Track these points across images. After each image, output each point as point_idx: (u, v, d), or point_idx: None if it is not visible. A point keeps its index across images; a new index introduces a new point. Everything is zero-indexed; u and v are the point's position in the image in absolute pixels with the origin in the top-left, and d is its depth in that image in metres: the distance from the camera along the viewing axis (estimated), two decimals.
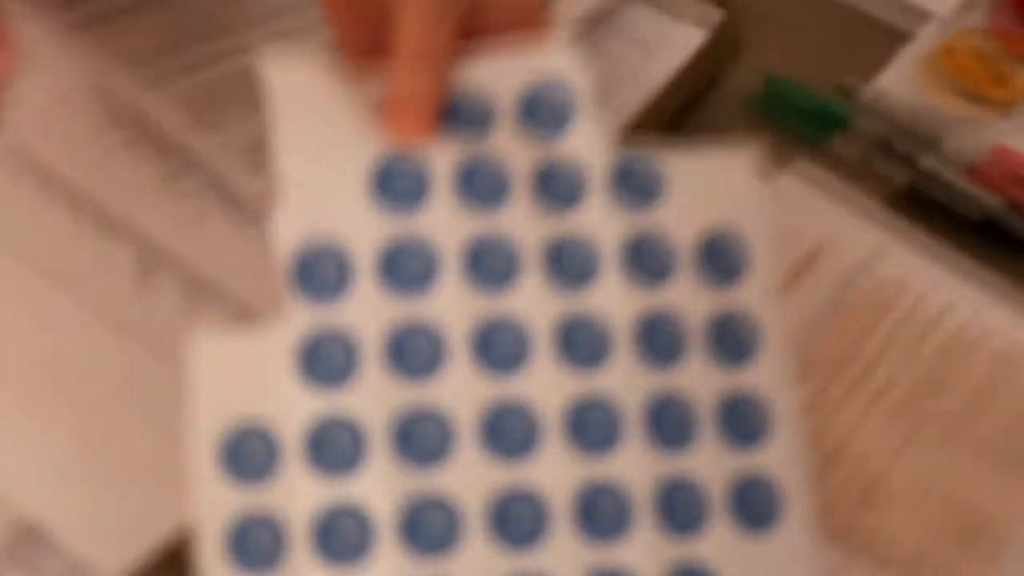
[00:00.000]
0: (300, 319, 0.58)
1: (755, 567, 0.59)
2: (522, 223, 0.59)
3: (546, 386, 0.58)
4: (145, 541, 0.63)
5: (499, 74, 0.60)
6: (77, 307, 0.70)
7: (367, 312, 0.58)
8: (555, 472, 0.58)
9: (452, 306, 0.58)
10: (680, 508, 0.59)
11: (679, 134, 0.81)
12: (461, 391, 0.58)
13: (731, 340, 0.61)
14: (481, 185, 0.60)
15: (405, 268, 0.59)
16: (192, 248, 0.71)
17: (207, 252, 0.70)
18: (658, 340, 0.60)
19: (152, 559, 0.63)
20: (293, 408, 0.57)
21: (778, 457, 0.60)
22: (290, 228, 0.58)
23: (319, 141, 0.59)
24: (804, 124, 0.83)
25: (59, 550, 0.64)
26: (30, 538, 0.64)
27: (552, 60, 0.61)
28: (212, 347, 0.57)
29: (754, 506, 0.60)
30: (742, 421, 0.60)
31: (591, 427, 0.58)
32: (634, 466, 0.58)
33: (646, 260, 0.61)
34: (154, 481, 0.63)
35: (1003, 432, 0.73)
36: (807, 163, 0.81)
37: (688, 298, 0.61)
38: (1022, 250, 0.79)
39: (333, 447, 0.57)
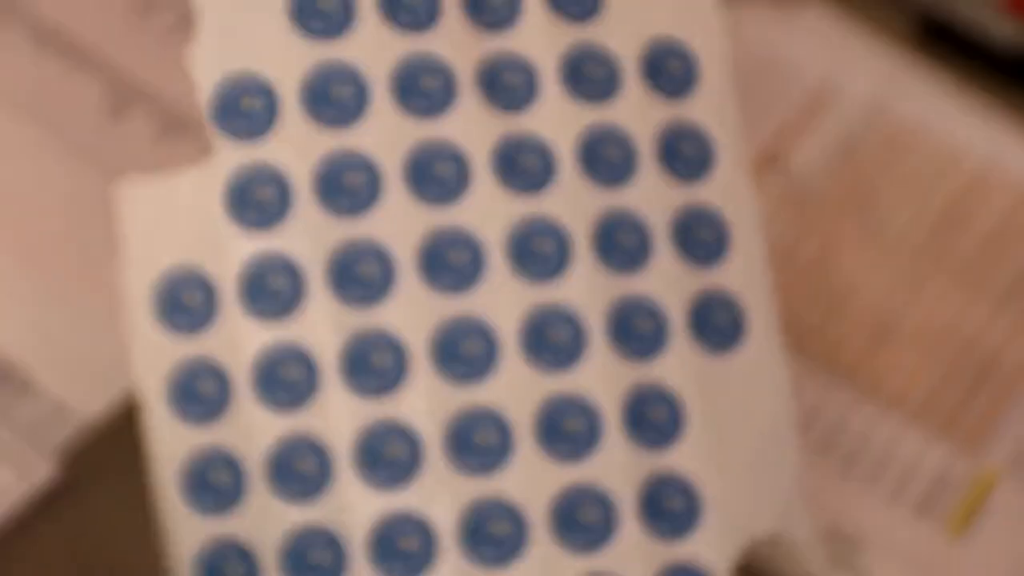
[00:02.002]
0: (228, 159, 0.55)
1: (718, 387, 0.57)
2: (454, 43, 0.57)
3: (489, 213, 0.56)
4: (126, 380, 0.61)
5: None
6: (47, 141, 0.68)
7: (297, 147, 0.55)
8: (502, 301, 0.56)
9: (385, 135, 0.56)
10: (636, 331, 0.56)
11: None
12: (400, 224, 0.56)
13: (682, 155, 0.58)
14: (409, 4, 0.57)
15: (334, 98, 0.56)
16: (168, 82, 0.69)
17: (183, 87, 0.68)
18: (604, 158, 0.57)
19: (133, 399, 0.61)
20: (228, 252, 0.55)
21: (738, 273, 0.58)
22: (210, 63, 0.55)
23: None
24: None
25: (37, 391, 0.63)
26: (4, 380, 0.63)
27: None
28: (139, 195, 0.55)
29: (715, 325, 0.57)
30: (699, 238, 0.58)
31: (538, 252, 0.56)
32: (585, 290, 0.56)
33: (588, 76, 0.58)
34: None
35: (1016, 275, 0.71)
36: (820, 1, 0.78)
37: (635, 114, 0.58)
38: None
39: (272, 289, 0.55)
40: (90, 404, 0.63)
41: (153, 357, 0.55)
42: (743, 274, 0.58)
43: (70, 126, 0.70)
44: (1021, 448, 0.67)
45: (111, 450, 0.62)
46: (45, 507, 0.62)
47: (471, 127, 0.56)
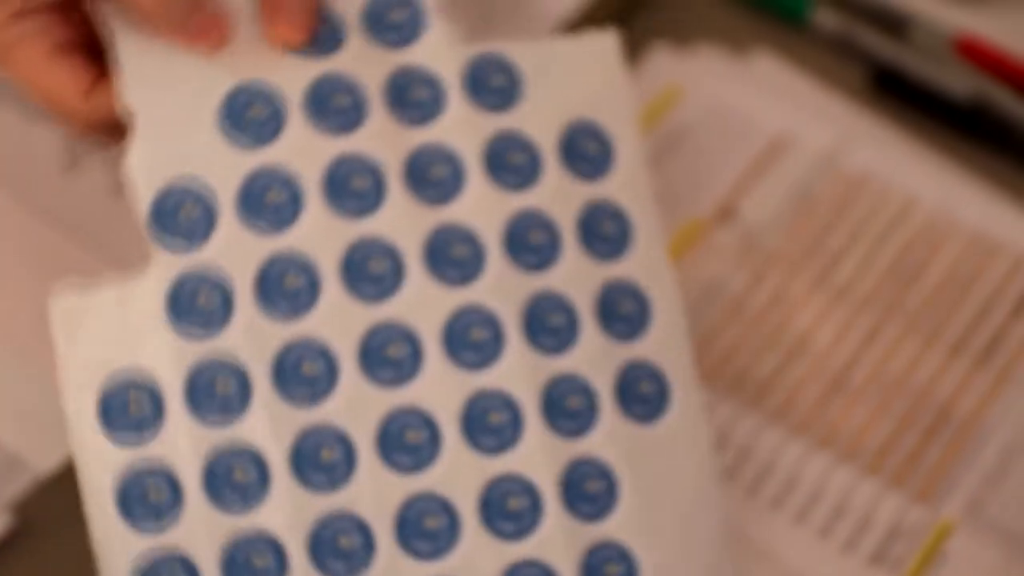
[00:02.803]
0: (168, 267, 0.56)
1: (648, 456, 0.59)
2: (381, 141, 0.58)
3: (423, 306, 0.57)
4: None
5: None
6: (3, 194, 0.68)
7: (236, 253, 0.56)
8: (441, 389, 0.57)
9: (320, 234, 0.57)
10: (568, 409, 0.58)
11: (642, 13, 0.79)
12: (339, 322, 0.57)
13: (602, 234, 0.60)
14: (335, 105, 0.58)
15: (269, 203, 0.57)
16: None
17: None
18: (530, 244, 0.59)
19: None
20: (172, 359, 0.56)
21: (660, 344, 0.59)
22: (147, 174, 0.56)
23: (166, 76, 0.57)
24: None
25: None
26: None
27: None
28: (76, 306, 0.56)
29: (641, 396, 0.59)
30: (621, 313, 0.59)
31: (472, 342, 0.58)
32: (519, 373, 0.58)
33: (510, 164, 0.59)
34: None
35: (967, 323, 0.71)
36: (772, 53, 0.79)
37: (556, 198, 0.59)
38: (989, 141, 0.77)
39: (218, 392, 0.56)
40: (44, 458, 0.63)
41: (100, 465, 0.55)
42: (665, 344, 0.60)
43: (26, 178, 0.70)
44: (975, 497, 0.67)
45: (64, 502, 0.62)
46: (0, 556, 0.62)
47: (402, 222, 0.58)
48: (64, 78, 0.57)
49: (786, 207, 0.75)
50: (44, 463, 0.63)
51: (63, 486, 0.63)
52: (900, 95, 0.78)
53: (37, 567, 0.58)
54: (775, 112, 0.77)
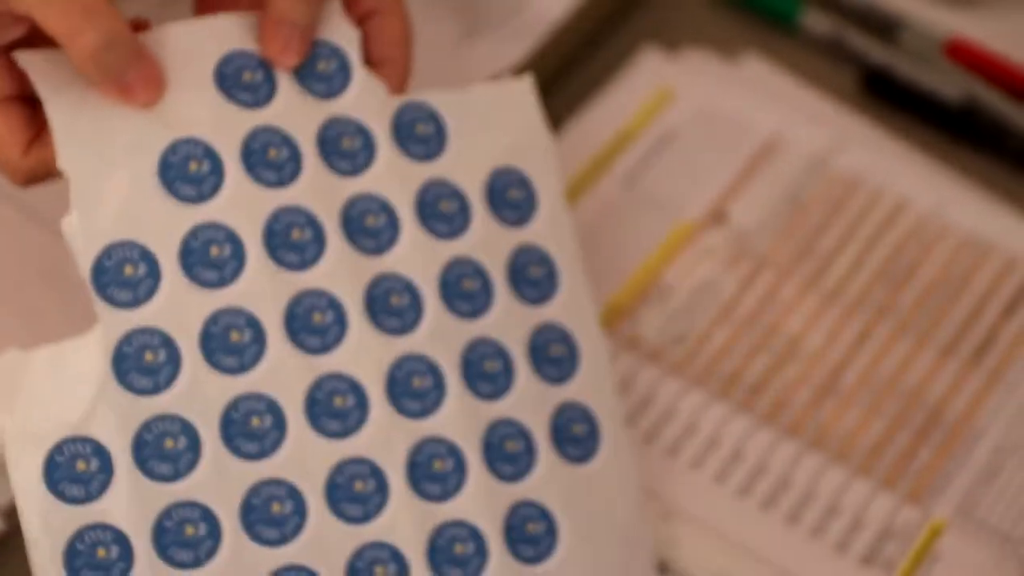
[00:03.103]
0: (114, 326, 0.56)
1: (583, 495, 0.60)
2: (317, 192, 0.59)
3: (365, 355, 0.58)
4: None
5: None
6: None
7: (180, 311, 0.57)
8: (385, 438, 0.58)
9: (261, 289, 0.57)
10: (507, 453, 0.59)
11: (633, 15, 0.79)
12: (284, 375, 0.57)
13: (530, 278, 0.61)
14: (271, 158, 0.58)
15: (212, 259, 0.57)
16: None
17: None
18: (464, 291, 0.60)
19: None
20: (119, 419, 0.56)
21: (589, 386, 0.61)
22: (88, 235, 0.56)
23: (99, 136, 0.56)
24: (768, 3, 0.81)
25: None
26: None
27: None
28: (23, 366, 0.55)
29: (574, 437, 0.60)
30: (552, 356, 0.61)
31: (415, 390, 0.58)
32: (460, 419, 0.59)
33: (440, 210, 0.60)
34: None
35: (958, 324, 0.71)
36: (763, 55, 0.79)
37: (485, 243, 0.60)
38: (980, 143, 0.77)
39: (167, 450, 0.56)
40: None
41: (48, 527, 0.55)
42: (593, 385, 0.61)
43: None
44: (966, 498, 0.67)
45: None
46: None
47: (342, 273, 0.58)
48: (3, 132, 0.56)
49: (777, 210, 0.75)
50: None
51: None
52: (891, 98, 0.78)
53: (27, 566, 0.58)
54: (766, 115, 0.77)
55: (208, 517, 0.56)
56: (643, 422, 0.68)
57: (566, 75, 0.78)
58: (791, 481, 0.67)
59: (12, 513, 0.62)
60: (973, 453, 0.68)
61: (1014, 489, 0.67)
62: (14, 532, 0.62)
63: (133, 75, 0.56)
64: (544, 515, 0.59)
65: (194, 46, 0.58)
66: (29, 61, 0.56)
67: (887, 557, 0.65)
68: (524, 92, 0.62)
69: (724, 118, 0.77)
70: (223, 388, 0.57)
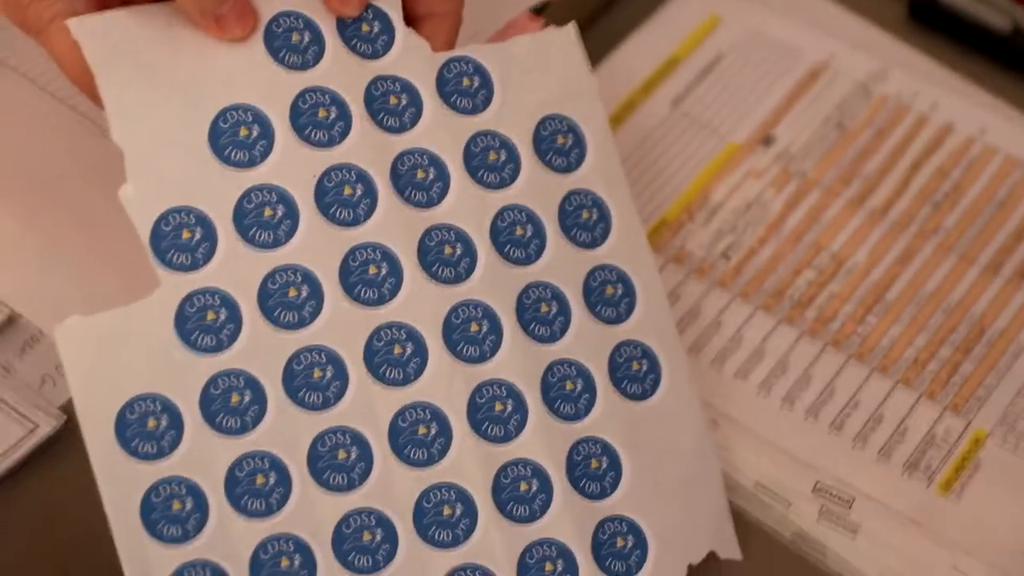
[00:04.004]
0: (174, 289, 0.57)
1: (645, 432, 0.61)
2: (366, 149, 0.60)
3: (421, 305, 0.59)
4: None
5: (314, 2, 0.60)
6: (40, 96, 0.69)
7: (236, 268, 0.58)
8: (447, 387, 0.59)
9: (315, 246, 0.59)
10: (567, 393, 0.60)
11: None
12: (342, 329, 0.58)
13: (582, 223, 0.62)
14: (320, 119, 0.59)
15: (264, 220, 0.58)
16: None
17: None
18: (515, 236, 0.61)
19: None
20: (186, 378, 0.57)
21: (647, 323, 0.62)
22: (144, 204, 0.57)
23: (151, 107, 0.58)
24: None
25: (40, 336, 0.65)
26: (15, 334, 0.64)
27: None
28: (86, 336, 0.57)
29: (634, 375, 0.61)
30: (607, 297, 0.62)
31: (470, 334, 0.59)
32: (517, 362, 0.60)
33: (488, 162, 0.61)
34: (123, 268, 0.62)
35: (1002, 244, 0.72)
36: None
37: (535, 190, 0.61)
38: None
39: (229, 403, 0.57)
40: None
41: (123, 483, 0.56)
42: (651, 323, 0.62)
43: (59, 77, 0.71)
44: (1008, 409, 0.68)
45: None
46: (48, 451, 0.64)
47: (394, 227, 0.60)
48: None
49: (823, 133, 0.76)
50: None
51: None
52: (937, 26, 0.79)
53: (83, 460, 0.59)
54: (813, 41, 0.78)
55: (277, 466, 0.57)
56: (690, 333, 0.69)
57: (614, 4, 0.79)
58: (835, 391, 0.68)
59: (67, 408, 0.64)
60: (1015, 367, 0.69)
61: None
62: (69, 429, 0.63)
63: (227, 9, 0.57)
64: (607, 450, 0.60)
65: None
66: (82, 30, 0.57)
67: (929, 464, 0.66)
68: (567, 40, 0.63)
69: (771, 44, 0.78)
70: (284, 343, 0.58)
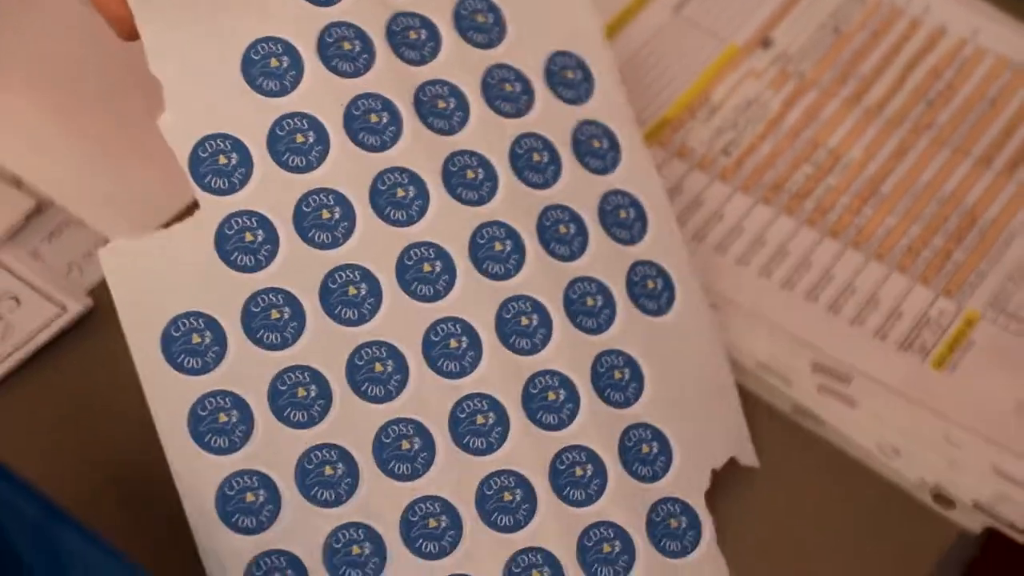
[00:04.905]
0: (213, 211, 0.60)
1: (663, 344, 0.64)
2: (391, 79, 0.62)
3: (447, 224, 0.62)
4: (159, 217, 0.66)
5: None
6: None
7: (272, 191, 0.60)
8: (470, 299, 0.61)
9: (346, 170, 0.61)
10: (588, 308, 0.63)
11: None
12: (374, 247, 0.61)
13: (594, 150, 0.65)
14: (346, 50, 0.62)
15: (296, 145, 0.61)
16: None
17: None
18: (533, 162, 0.64)
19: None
20: (227, 296, 0.60)
21: (659, 244, 0.65)
22: (182, 131, 0.60)
23: (186, 41, 0.60)
24: None
25: (83, 228, 0.68)
26: (47, 217, 0.67)
27: None
28: (129, 261, 0.59)
29: (650, 292, 0.64)
30: (620, 219, 0.64)
31: (495, 253, 0.62)
32: (540, 278, 0.62)
33: (503, 92, 0.64)
34: (159, 161, 0.64)
35: (994, 138, 0.75)
36: None
37: (549, 119, 0.64)
38: None
39: (270, 319, 0.60)
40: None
41: (170, 397, 0.59)
42: (663, 244, 0.65)
43: None
44: (999, 292, 0.71)
45: None
46: (76, 334, 0.66)
47: (419, 151, 0.62)
48: None
49: (819, 36, 0.78)
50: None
51: None
52: None
53: (112, 341, 0.61)
54: None
55: (317, 379, 0.60)
56: (693, 223, 0.72)
57: None
58: (833, 276, 0.70)
59: (97, 290, 0.66)
60: (1006, 254, 0.72)
61: None
62: (97, 313, 0.66)
63: None
64: (629, 362, 0.63)
65: None
66: None
67: (923, 343, 0.69)
68: None
69: None
70: (319, 261, 0.60)
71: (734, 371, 0.66)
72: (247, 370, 0.59)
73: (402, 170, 0.62)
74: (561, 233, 0.63)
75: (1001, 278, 0.71)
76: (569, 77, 0.65)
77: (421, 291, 0.61)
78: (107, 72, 0.71)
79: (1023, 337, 0.69)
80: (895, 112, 0.76)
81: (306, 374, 0.60)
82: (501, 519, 0.60)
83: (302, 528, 0.59)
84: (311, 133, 0.61)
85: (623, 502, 0.61)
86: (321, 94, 0.62)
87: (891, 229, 0.72)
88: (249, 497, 0.58)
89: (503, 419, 0.61)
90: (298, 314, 0.60)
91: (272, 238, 0.60)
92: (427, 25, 0.64)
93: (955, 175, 0.74)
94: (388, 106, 0.62)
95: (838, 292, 0.70)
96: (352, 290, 0.61)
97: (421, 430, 0.60)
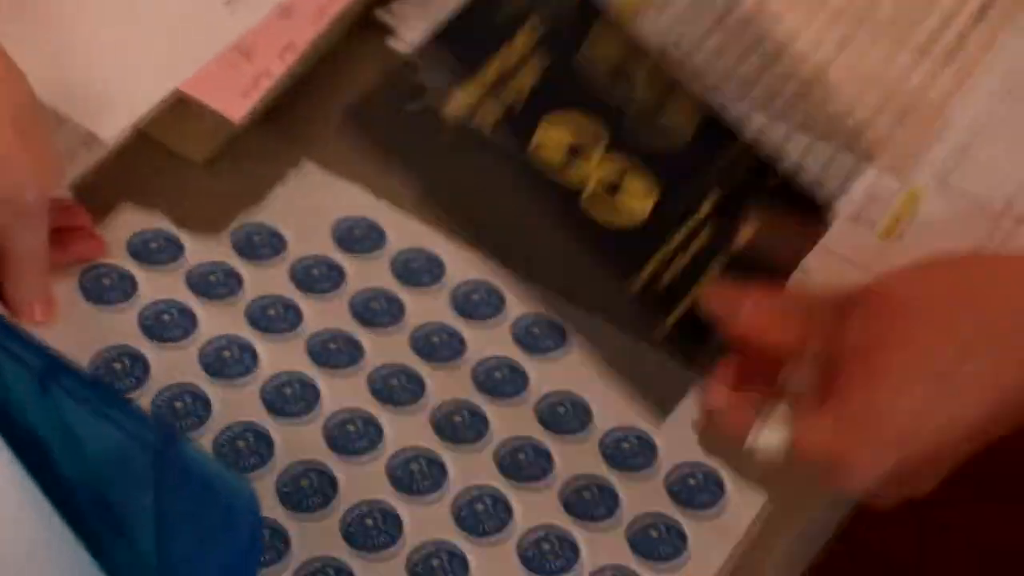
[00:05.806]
0: None
1: None
2: None
3: None
4: (140, 109, 0.68)
5: None
6: None
7: None
8: None
9: None
10: None
11: None
12: None
13: None
14: None
15: None
16: None
17: None
18: None
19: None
20: None
21: None
22: None
23: None
24: None
25: (66, 123, 0.69)
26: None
27: None
28: None
29: None
30: None
31: None
32: None
33: None
34: (142, 54, 0.67)
35: (932, 29, 0.78)
36: None
37: None
38: None
39: None
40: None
41: None
42: None
43: None
44: (941, 168, 0.74)
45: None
46: None
47: None
48: None
49: None
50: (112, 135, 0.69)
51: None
52: None
53: None
54: None
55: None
56: None
57: None
58: (783, 157, 0.74)
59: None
60: (946, 134, 0.75)
61: (983, 160, 0.75)
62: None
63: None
64: None
65: None
66: None
67: (871, 217, 0.72)
68: None
69: None
70: None
71: None
72: None
73: None
74: None
75: (943, 155, 0.75)
76: None
77: None
78: None
79: (964, 208, 0.73)
80: (838, 4, 0.79)
81: None
82: None
83: None
84: None
85: None
86: None
87: (837, 112, 0.75)
88: None
89: None
90: None
91: None
92: None
93: (896, 63, 0.77)
94: None
95: (789, 169, 0.73)
96: None
97: None
